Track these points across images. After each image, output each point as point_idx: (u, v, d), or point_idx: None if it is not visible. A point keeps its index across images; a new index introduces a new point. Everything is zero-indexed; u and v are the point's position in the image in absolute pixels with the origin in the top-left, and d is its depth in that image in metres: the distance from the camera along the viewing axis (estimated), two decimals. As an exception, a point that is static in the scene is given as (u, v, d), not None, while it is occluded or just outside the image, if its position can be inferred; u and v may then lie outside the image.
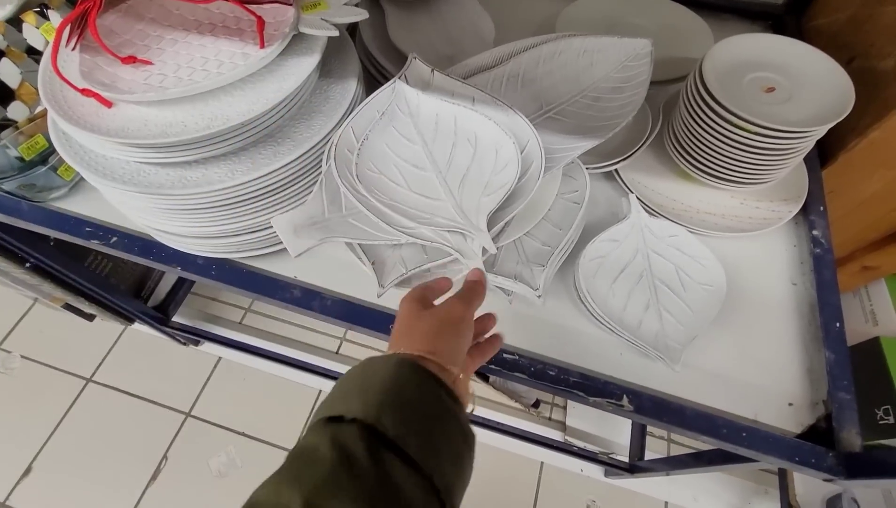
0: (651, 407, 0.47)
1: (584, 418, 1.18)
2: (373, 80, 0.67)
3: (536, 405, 1.19)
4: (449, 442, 0.29)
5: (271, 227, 0.51)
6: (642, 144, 0.60)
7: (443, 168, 0.49)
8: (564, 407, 1.21)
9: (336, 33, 0.48)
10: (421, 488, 0.26)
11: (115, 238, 0.56)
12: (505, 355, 0.49)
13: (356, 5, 0.52)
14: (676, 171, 0.63)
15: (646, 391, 0.48)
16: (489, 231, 0.42)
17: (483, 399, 1.20)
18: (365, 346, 1.31)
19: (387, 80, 0.66)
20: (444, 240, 0.43)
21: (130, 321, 1.12)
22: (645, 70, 0.58)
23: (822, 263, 0.55)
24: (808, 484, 0.93)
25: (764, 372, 0.50)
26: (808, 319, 0.53)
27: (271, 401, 1.22)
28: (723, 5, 0.81)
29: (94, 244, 0.56)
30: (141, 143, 0.42)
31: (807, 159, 0.61)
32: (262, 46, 0.47)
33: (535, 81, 0.58)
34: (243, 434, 1.18)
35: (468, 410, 0.33)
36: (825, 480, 0.44)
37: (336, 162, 0.45)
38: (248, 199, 0.48)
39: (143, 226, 0.55)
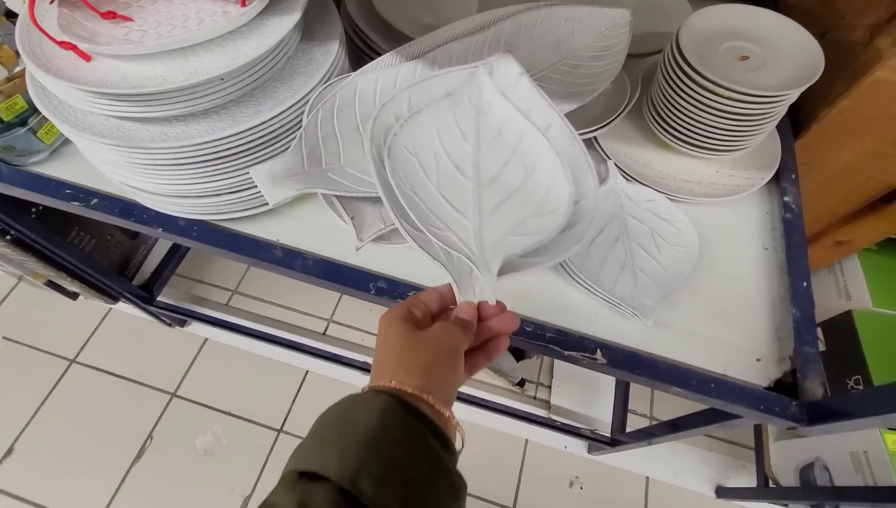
0: (624, 360, 0.48)
1: (568, 396, 1.20)
2: (358, 50, 0.68)
3: (522, 384, 1.21)
4: (437, 501, 0.25)
5: (252, 187, 0.52)
6: (620, 113, 0.61)
7: (484, 182, 0.43)
8: (549, 387, 1.22)
9: (316, -8, 0.48)
10: None
11: (95, 200, 0.56)
12: (483, 311, 0.50)
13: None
14: (654, 140, 0.64)
15: (619, 346, 0.49)
16: (497, 276, 0.36)
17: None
18: (352, 328, 1.31)
19: (372, 50, 0.67)
20: (444, 260, 0.38)
21: (115, 299, 1.12)
22: (623, 39, 0.59)
23: (792, 227, 0.57)
24: (783, 455, 0.95)
25: (734, 330, 0.52)
26: (778, 280, 0.55)
27: (258, 381, 1.22)
28: (703, -16, 0.83)
29: (74, 207, 0.56)
30: (119, 93, 0.42)
31: (780, 129, 0.63)
32: (244, 5, 0.48)
33: (516, 47, 0.59)
34: (229, 414, 1.18)
35: (458, 448, 0.30)
36: (789, 429, 0.46)
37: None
38: (229, 155, 0.48)
39: (123, 188, 0.55)
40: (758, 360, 0.50)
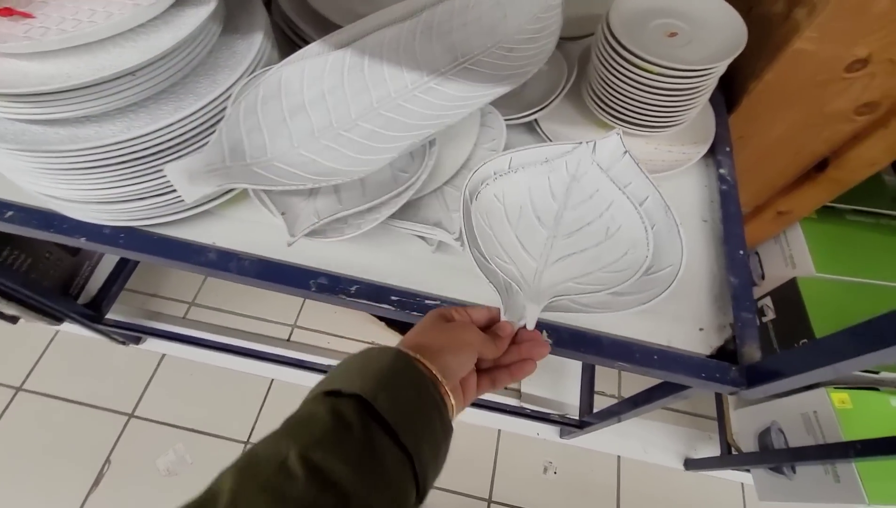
0: (569, 339, 0.48)
1: (538, 383, 1.21)
2: (291, 43, 0.66)
3: (491, 375, 1.21)
4: (431, 431, 0.31)
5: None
6: (559, 94, 0.61)
7: (560, 235, 0.48)
8: (519, 375, 1.23)
9: (230, -19, 0.46)
10: (401, 463, 0.29)
11: (10, 212, 0.52)
12: (427, 301, 0.49)
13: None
14: (594, 120, 0.65)
15: (564, 326, 0.49)
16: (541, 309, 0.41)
17: (438, 374, 1.21)
18: (318, 332, 1.28)
19: (306, 43, 0.65)
20: (501, 286, 0.43)
21: (59, 320, 1.06)
22: (556, 21, 0.59)
23: (728, 198, 0.59)
24: (743, 423, 0.98)
25: (677, 302, 0.52)
26: (717, 251, 0.56)
27: (221, 394, 1.18)
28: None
29: (-12, 221, 0.53)
30: (18, 93, 0.40)
31: (714, 104, 0.65)
32: (155, -4, 0.45)
33: (449, 33, 0.58)
34: (192, 430, 1.14)
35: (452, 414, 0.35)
36: (731, 394, 0.47)
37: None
38: (148, 155, 0.45)
39: (40, 198, 0.52)
40: (700, 329, 0.51)
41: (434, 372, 0.34)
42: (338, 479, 0.26)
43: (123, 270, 1.16)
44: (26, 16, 0.45)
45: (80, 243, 0.52)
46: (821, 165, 0.75)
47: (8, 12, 0.44)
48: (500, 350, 0.40)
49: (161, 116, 0.45)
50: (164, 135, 0.45)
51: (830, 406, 0.77)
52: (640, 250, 0.47)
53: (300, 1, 0.65)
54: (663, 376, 0.48)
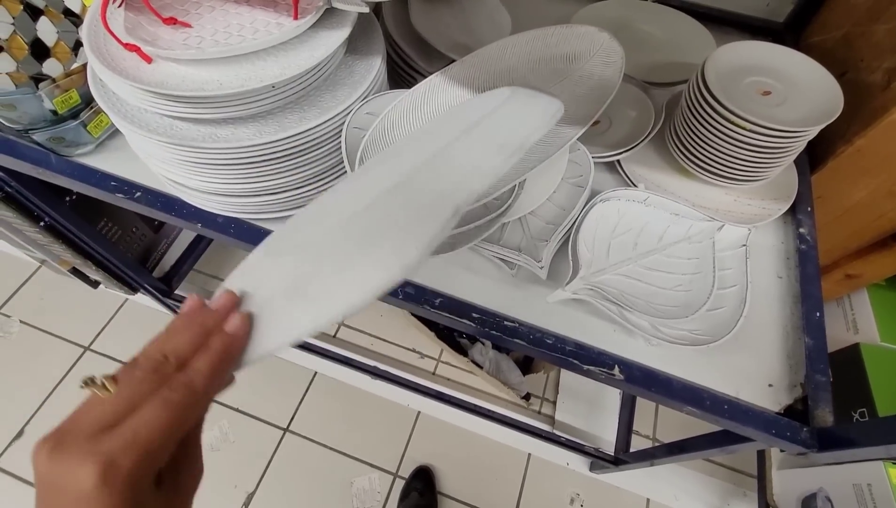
0: (640, 377, 0.50)
1: (573, 413, 1.21)
2: (394, 65, 0.71)
3: (527, 398, 1.22)
4: None
5: (291, 190, 0.55)
6: (645, 138, 0.63)
7: (640, 262, 0.56)
8: (554, 402, 1.23)
9: (366, 9, 0.51)
10: None
11: (139, 193, 0.58)
12: (506, 322, 0.52)
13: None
14: (675, 166, 0.66)
15: (636, 363, 0.51)
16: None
17: (474, 389, 1.23)
18: (362, 332, 1.33)
19: (407, 65, 0.70)
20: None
21: (134, 290, 1.14)
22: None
23: (806, 258, 0.59)
24: (785, 485, 0.96)
25: (747, 355, 0.53)
26: (791, 309, 0.57)
27: (267, 380, 1.24)
28: (727, 19, 0.86)
29: (118, 199, 0.59)
30: (179, 95, 0.45)
31: (798, 163, 0.65)
32: (296, 18, 0.50)
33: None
34: (237, 410, 1.19)
35: None
36: (799, 454, 0.47)
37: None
38: (273, 159, 0.50)
39: (165, 183, 0.58)
40: (770, 385, 0.52)
41: None
42: None
43: (195, 251, 1.24)
44: (185, 25, 0.51)
45: (196, 228, 0.57)
46: (900, 234, 0.74)
47: (172, 21, 0.50)
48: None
49: (288, 126, 0.50)
50: (289, 142, 0.50)
51: (887, 481, 0.74)
52: (687, 313, 0.52)
53: (405, 26, 0.70)
54: (732, 427, 0.49)
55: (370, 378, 1.19)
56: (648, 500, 1.13)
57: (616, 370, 0.49)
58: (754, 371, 0.52)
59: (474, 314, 0.52)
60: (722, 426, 0.50)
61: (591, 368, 0.50)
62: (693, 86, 0.59)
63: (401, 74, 0.71)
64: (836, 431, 0.45)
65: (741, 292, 0.53)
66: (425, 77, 0.60)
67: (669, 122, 0.66)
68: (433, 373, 1.26)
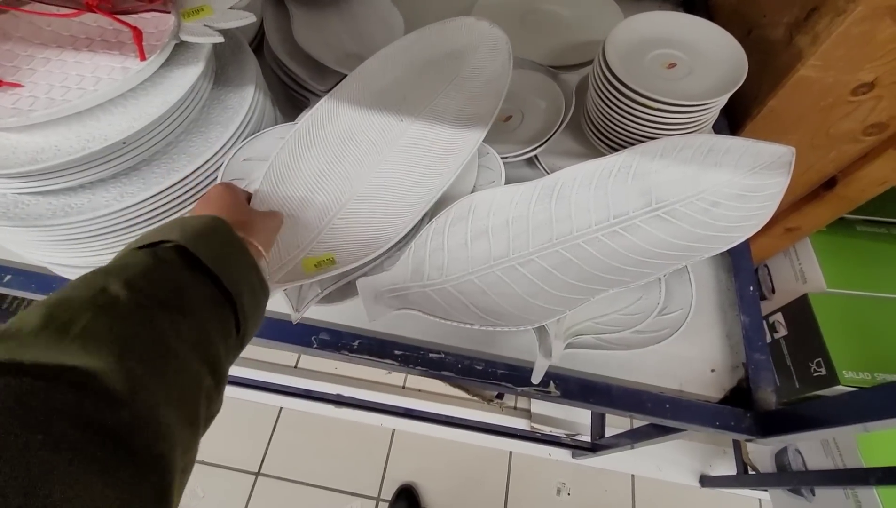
0: (578, 390, 0.47)
1: (547, 403, 1.19)
2: (285, 87, 0.65)
3: (500, 396, 1.20)
4: (250, 284, 0.32)
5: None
6: (557, 129, 0.60)
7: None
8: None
9: (221, 40, 0.46)
10: (221, 305, 0.29)
11: (8, 277, 0.52)
12: (431, 354, 0.48)
13: (244, 9, 0.50)
14: (595, 153, 0.63)
15: (572, 374, 0.48)
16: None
17: (447, 396, 1.20)
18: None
19: (300, 86, 0.64)
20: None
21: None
22: (781, 181, 0.50)
23: (735, 230, 0.57)
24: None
25: (688, 343, 0.51)
26: (726, 285, 0.55)
27: (229, 425, 1.18)
28: (634, -13, 0.83)
29: (-14, 285, 0.52)
30: (8, 172, 0.39)
31: (717, 129, 0.63)
32: (143, 59, 0.45)
33: (647, 174, 0.52)
34: (202, 462, 1.13)
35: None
36: (746, 441, 0.46)
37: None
38: (143, 221, 0.45)
39: (37, 261, 0.51)
40: (712, 371, 0.50)
41: (249, 239, 0.35)
42: (164, 298, 0.25)
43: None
44: (14, 85, 0.44)
45: (79, 306, 0.51)
46: (829, 184, 0.74)
47: (-4, 84, 0.44)
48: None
49: (154, 182, 0.45)
50: (157, 201, 0.44)
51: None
52: (652, 295, 0.49)
53: (291, 42, 0.65)
54: (677, 424, 0.47)
55: (335, 408, 1.15)
56: (633, 476, 1.13)
57: (552, 387, 0.47)
58: (696, 357, 0.51)
59: (396, 352, 0.48)
60: (669, 425, 0.48)
61: (526, 388, 0.47)
62: (596, 68, 0.56)
63: (295, 98, 0.65)
64: (777, 416, 0.43)
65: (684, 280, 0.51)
66: (321, 98, 0.54)
67: (583, 106, 0.63)
68: (403, 387, 1.23)
